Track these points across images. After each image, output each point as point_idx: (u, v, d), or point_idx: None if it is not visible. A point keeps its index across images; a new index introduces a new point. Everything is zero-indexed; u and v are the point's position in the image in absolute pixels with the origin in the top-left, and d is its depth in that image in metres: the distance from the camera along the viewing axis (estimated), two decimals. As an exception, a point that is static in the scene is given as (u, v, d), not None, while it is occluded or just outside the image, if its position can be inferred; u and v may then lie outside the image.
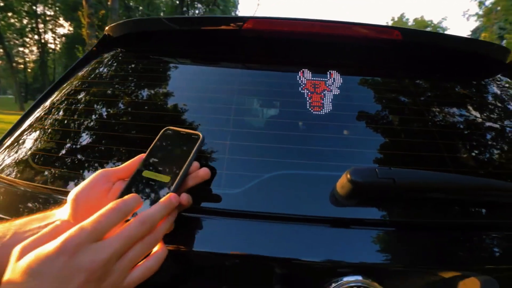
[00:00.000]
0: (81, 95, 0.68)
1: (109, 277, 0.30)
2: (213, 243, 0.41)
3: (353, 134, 0.55)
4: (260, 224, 0.43)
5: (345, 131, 0.56)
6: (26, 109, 0.73)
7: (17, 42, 25.17)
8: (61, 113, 0.66)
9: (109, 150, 0.56)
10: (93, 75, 0.74)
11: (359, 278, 0.38)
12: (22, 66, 28.49)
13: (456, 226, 0.45)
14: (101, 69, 0.75)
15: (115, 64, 0.77)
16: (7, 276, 0.28)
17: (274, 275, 0.40)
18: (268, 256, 0.40)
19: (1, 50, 19.36)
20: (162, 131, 0.46)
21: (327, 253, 0.41)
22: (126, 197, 0.35)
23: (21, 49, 26.43)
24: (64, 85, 0.74)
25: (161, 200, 0.36)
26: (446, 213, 0.45)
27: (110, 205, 0.33)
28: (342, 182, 0.43)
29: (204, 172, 0.43)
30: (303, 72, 0.66)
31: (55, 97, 0.72)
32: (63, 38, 26.12)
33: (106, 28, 0.82)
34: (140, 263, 0.34)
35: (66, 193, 0.50)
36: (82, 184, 0.39)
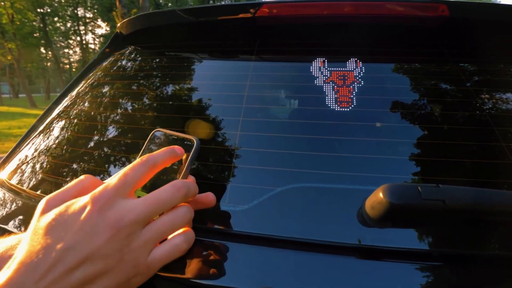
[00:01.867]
0: (90, 101, 0.66)
1: (133, 242, 0.28)
2: (211, 272, 0.35)
3: (388, 135, 0.44)
4: (270, 250, 0.36)
5: (377, 128, 0.46)
6: (40, 115, 0.73)
7: (62, 44, 27.34)
8: (71, 119, 0.64)
9: (123, 154, 0.52)
10: (105, 78, 0.71)
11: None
12: (67, 66, 30.96)
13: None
14: (113, 70, 0.72)
15: (128, 63, 0.73)
16: (31, 228, 0.27)
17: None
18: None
19: (50, 53, 21.17)
20: (151, 134, 0.41)
21: (352, 290, 0.32)
22: (154, 153, 0.33)
23: (66, 50, 28.66)
24: (75, 91, 0.72)
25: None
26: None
27: (138, 159, 0.31)
28: (373, 202, 0.34)
29: (210, 199, 0.37)
30: (326, 62, 0.57)
31: (66, 104, 0.70)
32: (102, 38, 27.80)
33: (118, 25, 0.78)
34: (167, 239, 0.32)
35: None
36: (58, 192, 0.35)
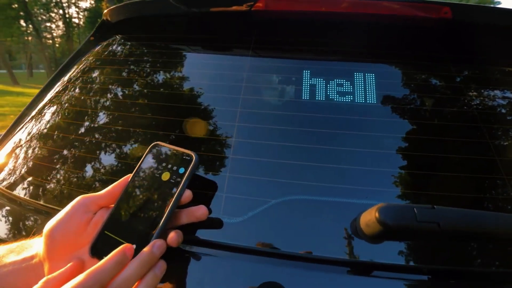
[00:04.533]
0: (74, 97, 0.62)
1: None
2: (200, 286, 0.35)
3: (387, 146, 0.44)
4: (264, 264, 0.36)
5: (374, 137, 0.46)
6: (21, 110, 0.69)
7: (44, 17, 25.75)
8: (54, 116, 0.61)
9: (109, 152, 0.51)
10: (92, 69, 0.67)
11: None
12: (50, 41, 29.37)
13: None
14: (100, 62, 0.68)
15: (116, 55, 0.69)
16: None
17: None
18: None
19: (30, 26, 19.96)
20: (149, 147, 0.39)
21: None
22: (103, 263, 0.28)
23: (48, 24, 27.06)
24: (58, 85, 0.68)
25: (142, 252, 0.30)
26: (503, 260, 0.35)
27: (82, 276, 0.27)
28: (368, 220, 0.34)
29: (202, 212, 0.36)
30: (325, 63, 0.55)
31: (48, 99, 0.67)
32: (86, 12, 26.33)
33: (104, 12, 0.73)
34: None
35: (53, 210, 0.46)
36: (58, 215, 0.34)
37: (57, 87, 0.68)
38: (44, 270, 0.33)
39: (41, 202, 0.48)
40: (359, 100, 0.48)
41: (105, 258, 0.29)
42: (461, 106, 0.49)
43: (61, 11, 24.76)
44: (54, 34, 28.98)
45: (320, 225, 0.38)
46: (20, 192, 0.51)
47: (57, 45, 30.38)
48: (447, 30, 0.60)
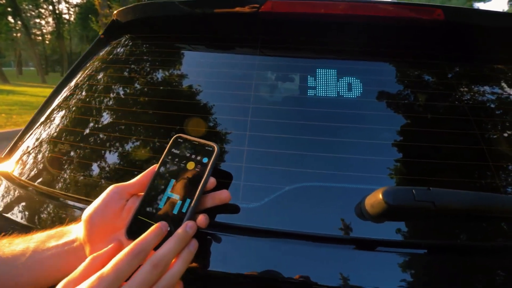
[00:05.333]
0: (90, 92, 0.66)
1: None
2: (224, 262, 0.39)
3: (387, 137, 0.49)
4: (278, 243, 0.41)
5: (379, 130, 0.50)
6: (39, 107, 0.71)
7: (33, 13, 25.18)
8: (71, 112, 0.64)
9: (125, 145, 0.54)
10: (103, 68, 0.70)
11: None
12: (40, 38, 28.78)
13: (502, 249, 0.40)
14: (110, 60, 0.71)
15: (125, 53, 0.72)
16: None
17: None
18: (286, 278, 0.38)
19: (19, 22, 19.51)
20: (172, 139, 0.43)
21: (352, 277, 0.38)
22: (144, 236, 0.33)
23: (37, 20, 26.49)
24: (73, 81, 0.71)
25: (177, 232, 0.34)
26: (490, 234, 0.41)
27: (129, 248, 0.31)
28: (373, 201, 0.39)
29: (225, 195, 0.40)
30: (330, 62, 0.59)
31: (65, 97, 0.69)
32: (77, 8, 25.81)
33: (114, 12, 0.76)
34: None
35: (83, 201, 0.50)
36: (95, 203, 0.38)
37: (73, 86, 0.70)
38: (86, 252, 0.37)
39: (64, 192, 0.52)
40: (365, 96, 0.52)
41: (145, 233, 0.33)
42: (456, 102, 0.54)
43: (50, 7, 24.24)
44: (44, 31, 28.41)
45: (329, 208, 0.43)
46: (42, 183, 0.55)
47: (47, 42, 29.80)
48: (440, 30, 0.64)
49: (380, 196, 0.37)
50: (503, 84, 0.59)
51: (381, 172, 0.45)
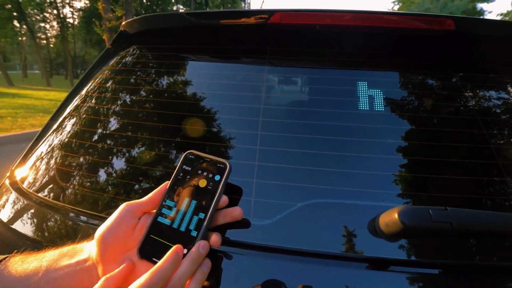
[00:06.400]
0: (99, 105, 0.66)
1: None
2: (236, 281, 0.39)
3: (400, 152, 0.48)
4: (290, 261, 0.40)
5: (390, 144, 0.50)
6: (48, 118, 0.72)
7: (38, 18, 25.49)
8: (82, 125, 0.64)
9: (136, 159, 0.54)
10: (111, 78, 0.70)
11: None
12: (44, 41, 29.11)
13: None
14: (119, 71, 0.71)
15: (133, 63, 0.72)
16: None
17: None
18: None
19: (24, 27, 19.75)
20: (183, 155, 0.43)
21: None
22: (162, 263, 0.32)
23: (42, 24, 26.81)
24: (82, 92, 0.71)
25: (191, 252, 0.34)
26: (508, 254, 0.40)
27: (147, 277, 0.31)
28: (388, 220, 0.38)
29: (236, 213, 0.39)
30: (340, 73, 0.59)
31: (75, 105, 0.70)
32: (80, 12, 26.09)
33: (122, 23, 0.76)
34: None
35: (95, 217, 0.50)
36: (108, 222, 0.38)
37: (82, 97, 0.71)
38: (98, 272, 0.36)
39: (76, 207, 0.52)
40: (377, 109, 0.52)
41: (162, 259, 0.32)
42: (466, 110, 0.53)
43: (55, 11, 24.52)
44: (49, 35, 28.73)
45: (342, 226, 0.42)
46: (53, 196, 0.55)
47: (51, 45, 30.12)
48: (451, 41, 0.64)
49: (396, 215, 0.36)
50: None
51: (395, 189, 0.44)
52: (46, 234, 0.51)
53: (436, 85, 0.58)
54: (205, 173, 0.41)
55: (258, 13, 0.63)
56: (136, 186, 0.51)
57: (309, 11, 0.61)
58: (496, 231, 0.36)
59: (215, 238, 0.37)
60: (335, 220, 0.42)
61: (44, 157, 0.63)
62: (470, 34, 0.62)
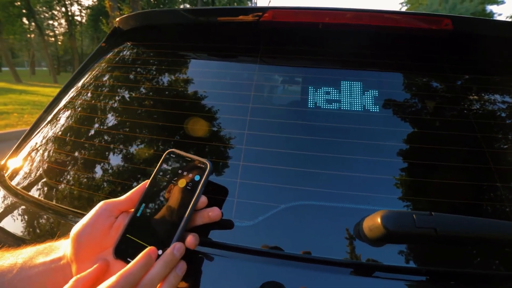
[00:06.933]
0: (88, 103, 0.65)
1: None
2: (214, 284, 0.38)
3: (388, 154, 0.46)
4: (271, 264, 0.39)
5: (380, 146, 0.48)
6: (37, 117, 0.72)
7: (46, 15, 25.82)
8: (70, 123, 0.64)
9: (125, 157, 0.53)
10: (104, 76, 0.70)
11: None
12: (52, 39, 29.46)
13: (506, 278, 0.38)
14: (112, 68, 0.71)
15: (125, 61, 0.72)
16: None
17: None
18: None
19: (33, 24, 20.03)
20: (164, 154, 0.42)
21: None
22: (132, 265, 0.31)
23: (50, 22, 27.15)
24: (73, 90, 0.71)
25: (164, 254, 0.33)
26: (493, 262, 0.38)
27: (114, 279, 0.30)
28: (371, 224, 0.37)
29: (215, 213, 0.38)
30: (333, 72, 0.57)
31: (63, 105, 0.69)
32: (88, 10, 26.35)
33: (116, 20, 0.76)
34: None
35: (80, 215, 0.49)
36: (84, 220, 0.37)
37: (72, 93, 0.70)
38: (72, 271, 0.36)
39: (60, 204, 0.51)
40: (368, 108, 0.50)
41: (133, 261, 0.31)
42: (464, 116, 0.51)
43: (63, 9, 24.80)
44: (57, 32, 29.07)
45: (325, 229, 0.41)
46: (38, 193, 0.54)
47: (59, 43, 30.47)
48: (448, 41, 0.62)
49: (379, 220, 0.35)
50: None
51: (381, 192, 0.43)
52: (29, 230, 0.50)
53: (432, 86, 0.56)
54: (185, 173, 0.40)
55: (251, 11, 0.62)
56: (122, 184, 0.50)
57: (302, 9, 0.59)
58: (482, 238, 0.34)
59: (190, 239, 0.36)
60: (319, 223, 0.41)
61: (32, 154, 0.63)
62: (468, 33, 0.60)
